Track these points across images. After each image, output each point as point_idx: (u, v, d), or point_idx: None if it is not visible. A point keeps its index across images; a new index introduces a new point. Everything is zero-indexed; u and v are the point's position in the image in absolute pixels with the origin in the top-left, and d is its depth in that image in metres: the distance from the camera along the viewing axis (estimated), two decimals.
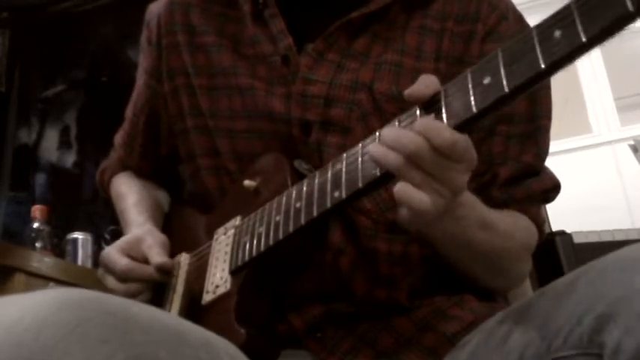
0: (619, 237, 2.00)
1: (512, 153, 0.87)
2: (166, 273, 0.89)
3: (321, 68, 0.87)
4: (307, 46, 0.89)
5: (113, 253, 0.89)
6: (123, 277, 0.88)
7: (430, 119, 0.63)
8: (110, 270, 0.89)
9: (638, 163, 2.38)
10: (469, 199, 0.74)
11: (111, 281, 0.89)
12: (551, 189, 0.90)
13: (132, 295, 0.88)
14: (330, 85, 0.86)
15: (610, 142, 3.84)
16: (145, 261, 0.89)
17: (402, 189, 0.64)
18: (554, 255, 1.94)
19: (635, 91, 4.26)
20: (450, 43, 0.88)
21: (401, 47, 0.88)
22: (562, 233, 1.98)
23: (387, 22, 0.89)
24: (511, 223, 0.84)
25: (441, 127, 0.62)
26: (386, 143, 0.64)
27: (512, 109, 0.87)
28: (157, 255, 0.88)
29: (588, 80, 4.02)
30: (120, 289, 0.88)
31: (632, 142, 2.47)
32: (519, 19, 0.92)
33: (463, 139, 0.62)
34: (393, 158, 0.64)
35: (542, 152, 0.91)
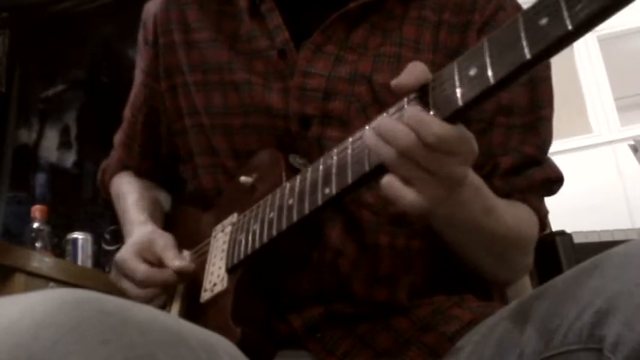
0: (619, 237, 2.00)
1: (513, 144, 0.86)
2: (187, 274, 0.87)
3: (319, 61, 0.87)
4: (305, 40, 0.89)
5: (130, 259, 0.88)
6: (142, 284, 0.87)
7: (419, 111, 0.62)
8: (129, 277, 0.88)
9: (638, 163, 2.38)
10: (474, 181, 0.73)
11: (129, 287, 0.88)
12: (554, 180, 0.90)
13: (150, 300, 0.87)
14: (329, 78, 0.86)
15: (610, 142, 3.84)
16: (160, 263, 0.88)
17: (387, 184, 0.63)
18: (554, 255, 1.94)
19: (635, 91, 4.26)
20: (447, 34, 0.88)
21: (399, 39, 0.88)
22: (562, 233, 1.98)
23: (384, 13, 0.89)
24: (514, 212, 0.83)
25: (429, 121, 0.61)
26: (380, 135, 0.63)
27: (512, 100, 0.86)
28: (175, 258, 0.87)
29: (588, 80, 4.02)
30: (139, 295, 0.87)
31: (632, 142, 2.47)
32: (517, 7, 0.91)
33: (455, 132, 0.61)
34: (386, 151, 0.63)
35: (544, 143, 0.90)
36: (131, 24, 1.16)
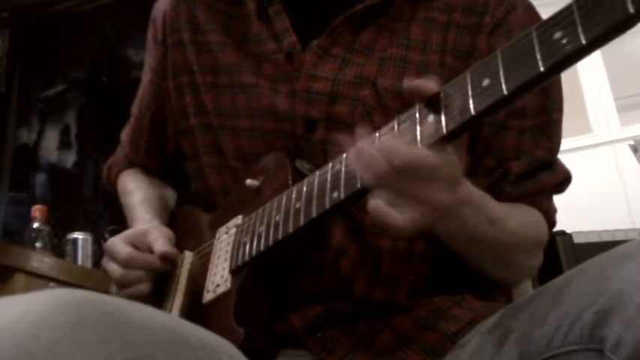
0: (619, 237, 2.00)
1: (525, 147, 0.86)
2: (169, 262, 0.89)
3: (325, 64, 0.87)
4: (312, 42, 0.89)
5: (118, 241, 0.90)
6: (125, 264, 0.88)
7: (391, 138, 0.63)
8: (113, 257, 0.89)
9: (638, 163, 2.38)
10: (476, 197, 0.73)
11: (113, 267, 0.89)
12: (564, 181, 0.90)
13: (131, 282, 0.88)
14: (334, 82, 0.85)
15: (610, 142, 3.84)
16: (150, 251, 0.89)
17: (373, 206, 0.64)
18: (554, 255, 1.95)
19: (635, 91, 4.26)
20: (456, 35, 0.87)
21: (406, 41, 0.87)
22: (562, 233, 1.98)
23: (391, 15, 0.89)
24: (520, 218, 0.83)
25: (398, 148, 0.62)
26: (359, 160, 0.64)
27: (524, 103, 0.86)
28: (162, 245, 0.89)
29: (588, 80, 4.02)
30: (120, 275, 0.88)
31: (632, 142, 2.47)
32: (529, 8, 0.91)
33: (430, 157, 0.61)
34: (365, 176, 0.64)
35: (555, 146, 0.90)
36: (131, 24, 1.16)
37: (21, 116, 3.30)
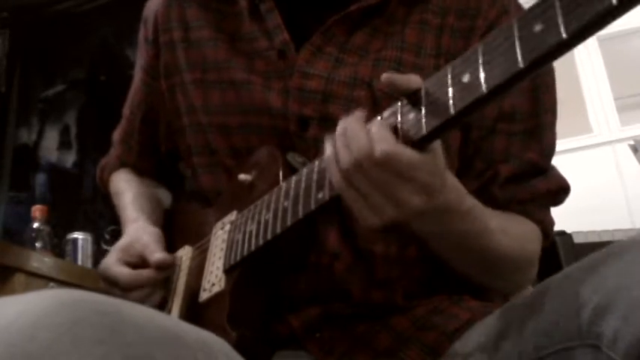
0: (619, 237, 2.00)
1: (514, 150, 0.85)
2: (168, 267, 0.89)
3: (319, 62, 0.86)
4: (304, 42, 0.88)
5: (111, 265, 0.89)
6: (130, 287, 0.87)
7: (383, 127, 0.62)
8: (113, 283, 0.88)
9: (638, 163, 2.38)
10: (462, 207, 0.71)
11: (116, 293, 0.88)
12: (559, 190, 0.88)
13: (143, 301, 0.87)
14: (328, 80, 0.85)
15: (610, 142, 3.83)
16: (144, 261, 0.89)
17: (337, 178, 0.64)
18: (554, 255, 1.95)
19: (635, 91, 4.25)
20: (450, 39, 0.86)
21: (400, 43, 0.86)
22: (562, 233, 1.99)
23: (386, 16, 0.88)
24: (513, 231, 0.81)
25: (384, 138, 0.61)
26: (345, 136, 0.64)
27: (514, 107, 0.85)
28: (153, 253, 0.88)
29: (588, 80, 4.02)
30: (130, 299, 0.87)
31: (632, 142, 2.47)
32: (521, 10, 0.89)
33: (409, 155, 0.61)
34: (344, 155, 0.63)
35: (548, 149, 0.88)
36: (130, 24, 1.17)
37: (21, 116, 3.30)
